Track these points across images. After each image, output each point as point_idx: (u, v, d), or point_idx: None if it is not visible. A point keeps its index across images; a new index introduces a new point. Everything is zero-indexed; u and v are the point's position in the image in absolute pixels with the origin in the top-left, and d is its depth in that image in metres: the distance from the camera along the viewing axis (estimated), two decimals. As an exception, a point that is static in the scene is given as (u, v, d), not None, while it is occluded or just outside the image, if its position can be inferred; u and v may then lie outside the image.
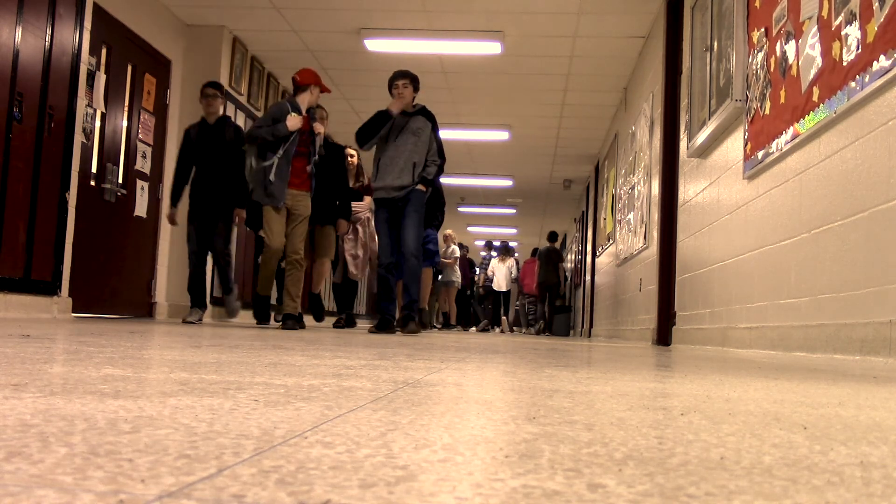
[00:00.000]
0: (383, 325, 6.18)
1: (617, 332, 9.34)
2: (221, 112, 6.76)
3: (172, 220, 6.62)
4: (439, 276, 14.19)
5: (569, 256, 18.84)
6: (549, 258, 14.15)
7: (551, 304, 14.32)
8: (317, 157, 6.26)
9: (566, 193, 16.02)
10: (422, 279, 7.27)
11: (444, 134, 12.03)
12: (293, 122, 5.85)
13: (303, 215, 6.11)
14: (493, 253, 16.54)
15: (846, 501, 0.51)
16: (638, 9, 7.35)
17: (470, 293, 16.39)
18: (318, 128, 6.14)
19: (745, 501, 0.50)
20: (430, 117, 6.33)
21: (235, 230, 7.20)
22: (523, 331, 16.39)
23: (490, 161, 14.01)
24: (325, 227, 7.27)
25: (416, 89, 6.30)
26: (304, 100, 6.13)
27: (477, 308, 17.08)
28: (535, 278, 14.63)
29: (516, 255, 18.46)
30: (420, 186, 6.15)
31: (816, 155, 3.36)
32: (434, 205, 7.90)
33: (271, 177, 5.91)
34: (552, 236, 14.34)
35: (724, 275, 4.71)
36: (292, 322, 5.91)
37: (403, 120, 6.21)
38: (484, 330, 16.06)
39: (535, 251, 15.88)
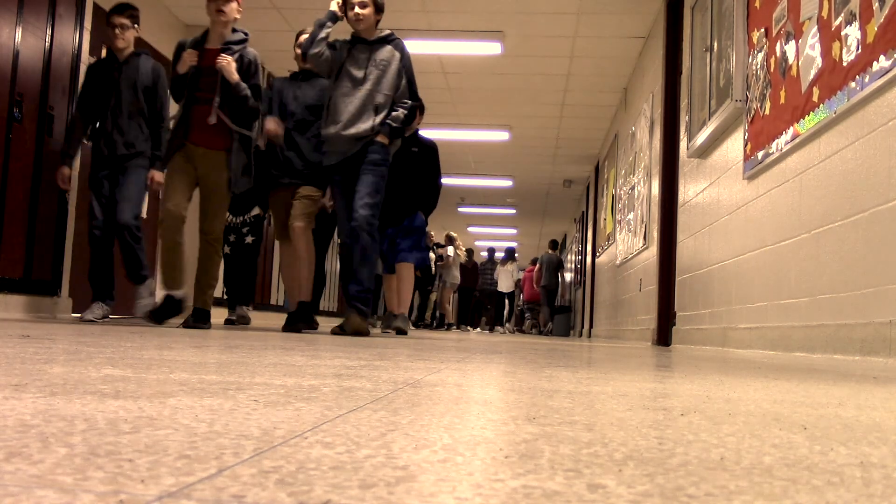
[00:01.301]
0: (292, 321, 5.18)
1: (617, 332, 9.34)
2: (133, 48, 5.20)
3: (64, 182, 5.18)
4: (440, 276, 14.58)
5: (569, 257, 19.03)
6: (551, 264, 15.71)
7: (551, 305, 15.58)
8: (218, 100, 4.72)
9: (566, 193, 16.03)
10: (405, 279, 6.56)
11: (444, 134, 12.06)
12: (184, 61, 4.66)
13: (217, 185, 4.72)
14: (501, 255, 17.83)
15: (846, 501, 0.51)
16: (638, 9, 7.35)
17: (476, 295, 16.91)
18: (223, 60, 4.62)
19: (745, 501, 0.50)
20: (400, 47, 5.02)
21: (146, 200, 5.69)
22: (524, 330, 17.62)
23: (490, 161, 14.01)
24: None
25: (379, 10, 5.04)
26: (214, 30, 4.80)
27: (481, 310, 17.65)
28: (535, 284, 16.17)
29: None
30: (381, 138, 4.82)
31: (816, 155, 3.36)
32: (427, 180, 6.66)
33: (167, 134, 4.96)
34: (553, 244, 16.18)
35: (724, 275, 4.71)
36: (194, 319, 4.73)
37: (365, 50, 4.92)
38: (487, 329, 16.47)
39: (534, 260, 17.17)
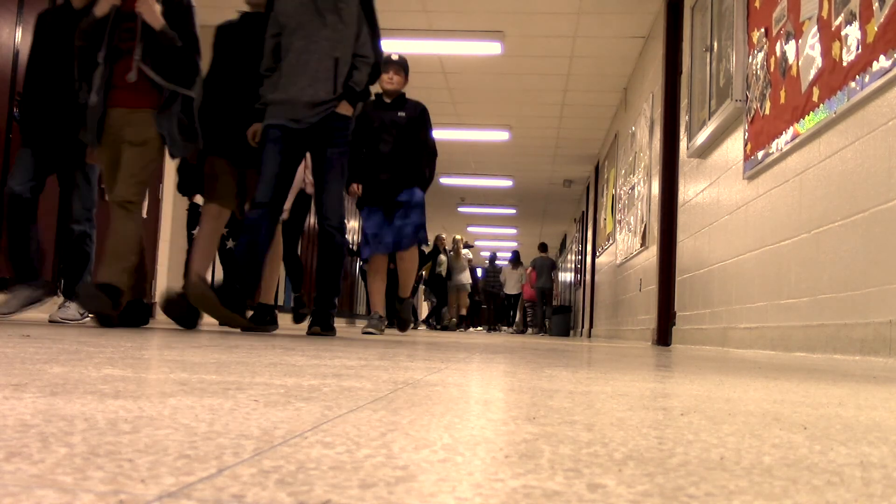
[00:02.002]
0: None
1: (617, 332, 9.34)
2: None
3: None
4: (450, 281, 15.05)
5: (569, 257, 19.21)
6: (544, 266, 16.53)
7: (548, 305, 16.43)
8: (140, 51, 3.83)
9: (566, 193, 16.04)
10: (409, 261, 5.93)
11: (444, 134, 12.06)
12: (101, 2, 3.86)
13: (131, 140, 3.82)
14: (508, 257, 18.56)
15: (846, 501, 0.51)
16: (638, 9, 7.35)
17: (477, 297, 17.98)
18: (142, 4, 3.81)
19: (745, 501, 0.50)
20: None
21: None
22: (528, 331, 18.48)
23: (490, 161, 14.01)
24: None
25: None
26: None
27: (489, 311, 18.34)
28: (531, 285, 17.08)
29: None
30: (344, 108, 4.08)
31: (816, 155, 3.36)
32: (421, 153, 5.91)
33: (91, 96, 3.86)
34: (543, 247, 16.99)
35: (724, 275, 4.71)
36: (93, 298, 3.61)
37: None
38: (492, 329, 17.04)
39: (533, 261, 18.23)
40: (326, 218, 4.17)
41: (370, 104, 5.79)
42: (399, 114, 5.84)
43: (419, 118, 5.91)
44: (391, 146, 5.78)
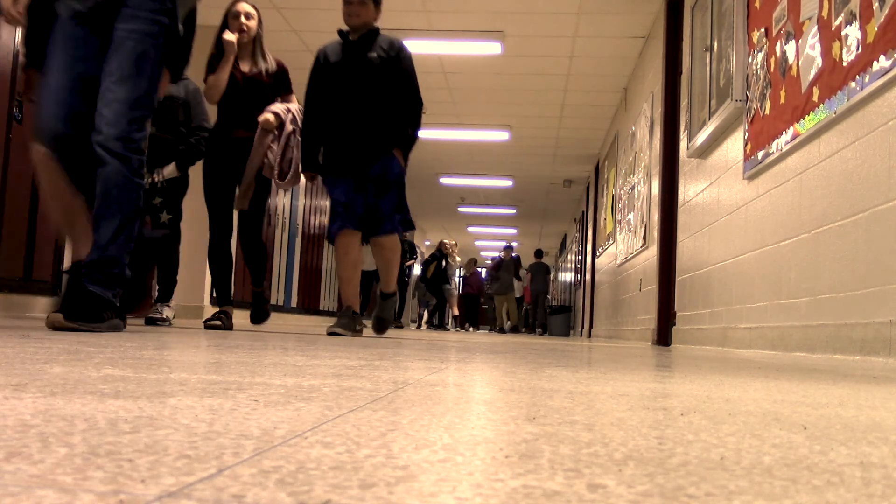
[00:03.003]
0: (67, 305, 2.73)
1: (617, 332, 9.34)
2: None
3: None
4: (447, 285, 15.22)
5: (569, 257, 19.39)
6: (539, 271, 17.69)
7: (543, 307, 17.42)
8: None
9: (566, 193, 16.05)
10: (389, 250, 4.71)
11: (444, 134, 12.07)
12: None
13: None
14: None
15: (846, 501, 0.51)
16: (638, 9, 7.35)
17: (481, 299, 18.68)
18: None
19: (745, 501, 0.50)
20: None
21: None
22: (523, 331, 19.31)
23: (490, 161, 14.02)
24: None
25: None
26: None
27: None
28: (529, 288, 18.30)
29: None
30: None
31: (816, 155, 3.36)
32: (401, 106, 4.63)
33: None
34: (538, 253, 18.02)
35: (724, 275, 4.71)
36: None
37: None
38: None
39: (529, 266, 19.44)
40: (99, 131, 2.79)
41: (329, 46, 4.75)
42: (370, 54, 4.56)
43: (396, 59, 4.59)
44: (360, 98, 4.51)
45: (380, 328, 4.98)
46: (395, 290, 5.00)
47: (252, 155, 4.64)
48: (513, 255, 17.01)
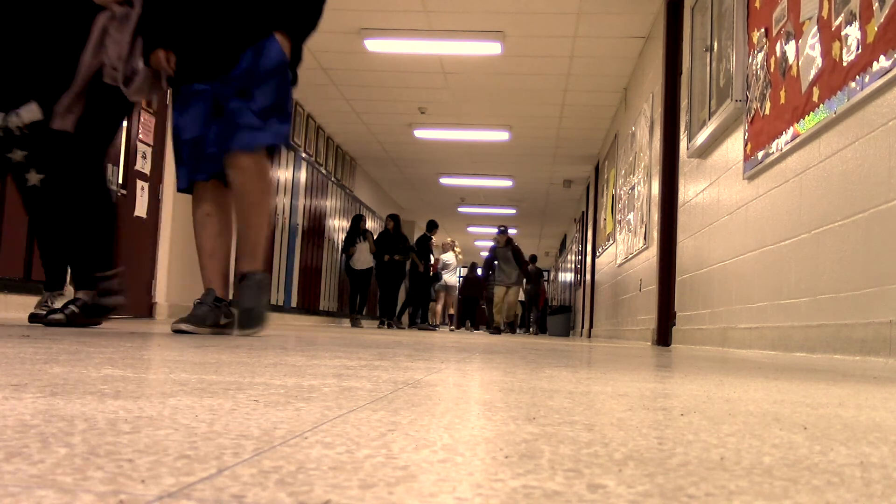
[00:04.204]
0: None
1: (617, 332, 9.34)
2: None
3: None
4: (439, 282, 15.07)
5: (569, 257, 19.53)
6: (532, 276, 18.16)
7: (535, 309, 18.62)
8: None
9: (566, 193, 16.05)
10: (250, 177, 3.16)
11: (444, 134, 12.07)
12: None
13: None
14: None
15: (846, 502, 0.51)
16: (638, 9, 7.35)
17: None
18: None
19: (745, 501, 0.50)
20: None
21: None
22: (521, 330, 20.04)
23: (490, 161, 14.02)
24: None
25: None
26: None
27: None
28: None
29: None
30: None
31: (816, 155, 3.36)
32: None
33: None
34: (533, 258, 18.81)
35: (724, 275, 4.71)
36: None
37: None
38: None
39: None
40: None
41: None
42: None
43: None
44: None
45: (246, 323, 3.22)
46: (263, 266, 3.29)
47: (86, 52, 3.16)
48: (510, 241, 13.69)
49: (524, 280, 14.60)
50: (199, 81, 3.19)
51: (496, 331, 13.35)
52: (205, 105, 3.18)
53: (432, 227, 14.01)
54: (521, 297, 18.05)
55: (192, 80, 3.21)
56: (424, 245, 13.73)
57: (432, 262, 14.60)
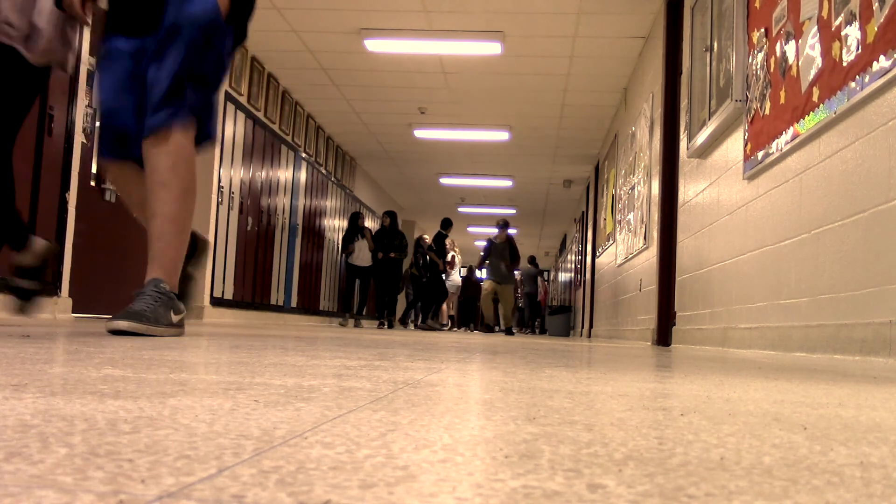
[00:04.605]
0: None
1: (617, 332, 9.34)
2: None
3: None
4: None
5: (569, 257, 19.51)
6: (530, 275, 19.75)
7: (533, 307, 19.44)
8: None
9: (566, 193, 16.05)
10: (174, 162, 2.50)
11: (444, 134, 12.07)
12: None
13: None
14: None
15: (846, 502, 0.51)
16: (638, 9, 7.35)
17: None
18: None
19: (745, 502, 0.50)
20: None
21: None
22: (525, 330, 20.55)
23: (490, 161, 14.01)
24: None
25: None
26: None
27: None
28: (519, 291, 19.43)
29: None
30: None
31: (816, 155, 3.36)
32: None
33: None
34: (532, 259, 19.91)
35: (724, 275, 4.71)
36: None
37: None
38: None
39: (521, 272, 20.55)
40: None
41: None
42: None
43: None
44: None
45: (125, 319, 2.40)
46: (171, 276, 2.58)
47: None
48: (509, 238, 12.76)
49: (516, 277, 14.77)
50: (123, 35, 2.59)
51: (488, 329, 13.16)
52: (122, 67, 2.59)
53: (447, 224, 13.42)
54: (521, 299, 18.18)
55: (116, 31, 2.61)
56: (440, 243, 13.47)
57: (448, 259, 14.46)
